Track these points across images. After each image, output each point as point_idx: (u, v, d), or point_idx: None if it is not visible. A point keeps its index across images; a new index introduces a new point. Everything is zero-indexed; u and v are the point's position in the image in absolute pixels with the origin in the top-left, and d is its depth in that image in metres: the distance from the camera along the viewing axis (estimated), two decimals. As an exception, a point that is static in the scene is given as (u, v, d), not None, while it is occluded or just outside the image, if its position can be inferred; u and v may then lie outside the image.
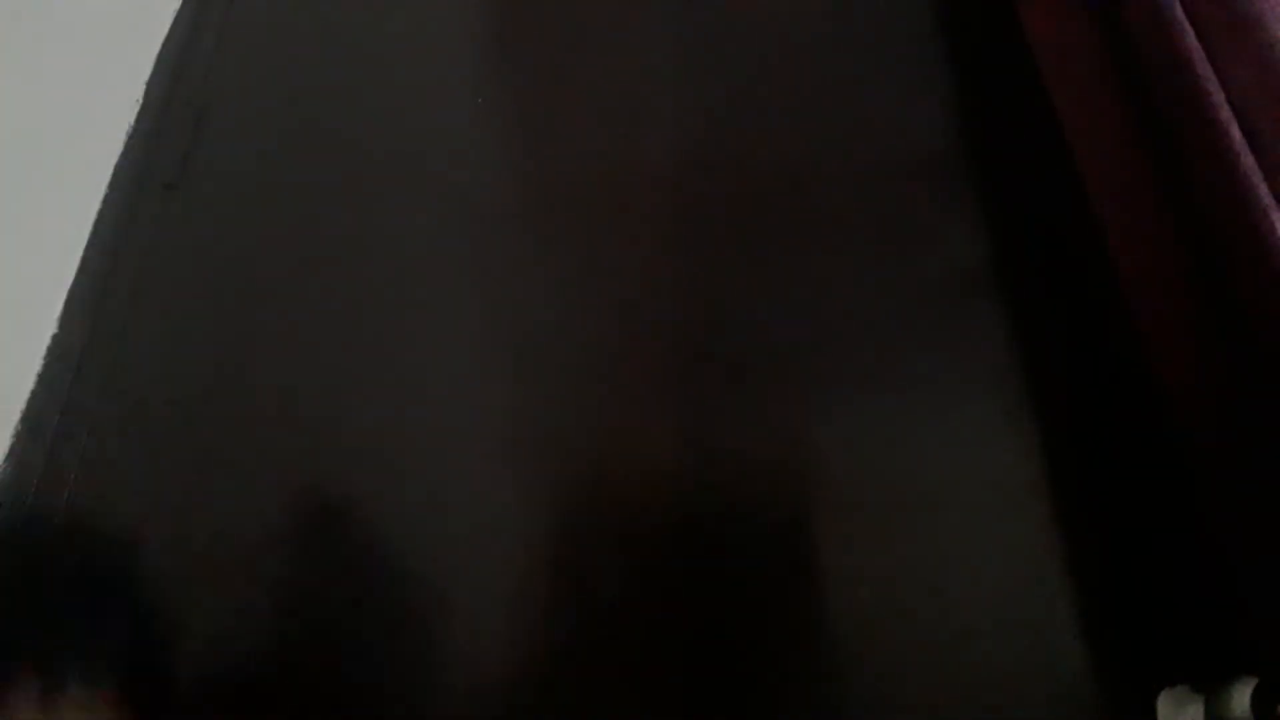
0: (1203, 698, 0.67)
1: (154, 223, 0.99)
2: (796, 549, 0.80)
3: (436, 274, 0.95)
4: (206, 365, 0.91)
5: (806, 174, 0.99)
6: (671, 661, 0.77)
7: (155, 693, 0.76)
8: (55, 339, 0.91)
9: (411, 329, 0.92)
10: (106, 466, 0.85)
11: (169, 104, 1.06)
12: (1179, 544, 0.77)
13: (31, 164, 0.92)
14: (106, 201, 0.99)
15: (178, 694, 0.76)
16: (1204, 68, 0.65)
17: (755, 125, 1.03)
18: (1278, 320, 0.60)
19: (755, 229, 0.96)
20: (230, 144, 1.04)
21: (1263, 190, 0.58)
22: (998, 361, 0.87)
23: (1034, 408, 0.84)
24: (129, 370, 0.90)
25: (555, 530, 0.82)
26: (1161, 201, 0.71)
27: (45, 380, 0.89)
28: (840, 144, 1.01)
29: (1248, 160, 0.60)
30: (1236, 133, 0.61)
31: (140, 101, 1.06)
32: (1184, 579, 0.76)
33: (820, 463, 0.84)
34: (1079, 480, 0.81)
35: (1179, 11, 0.68)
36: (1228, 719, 0.64)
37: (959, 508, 0.81)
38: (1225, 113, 0.62)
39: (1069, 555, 0.78)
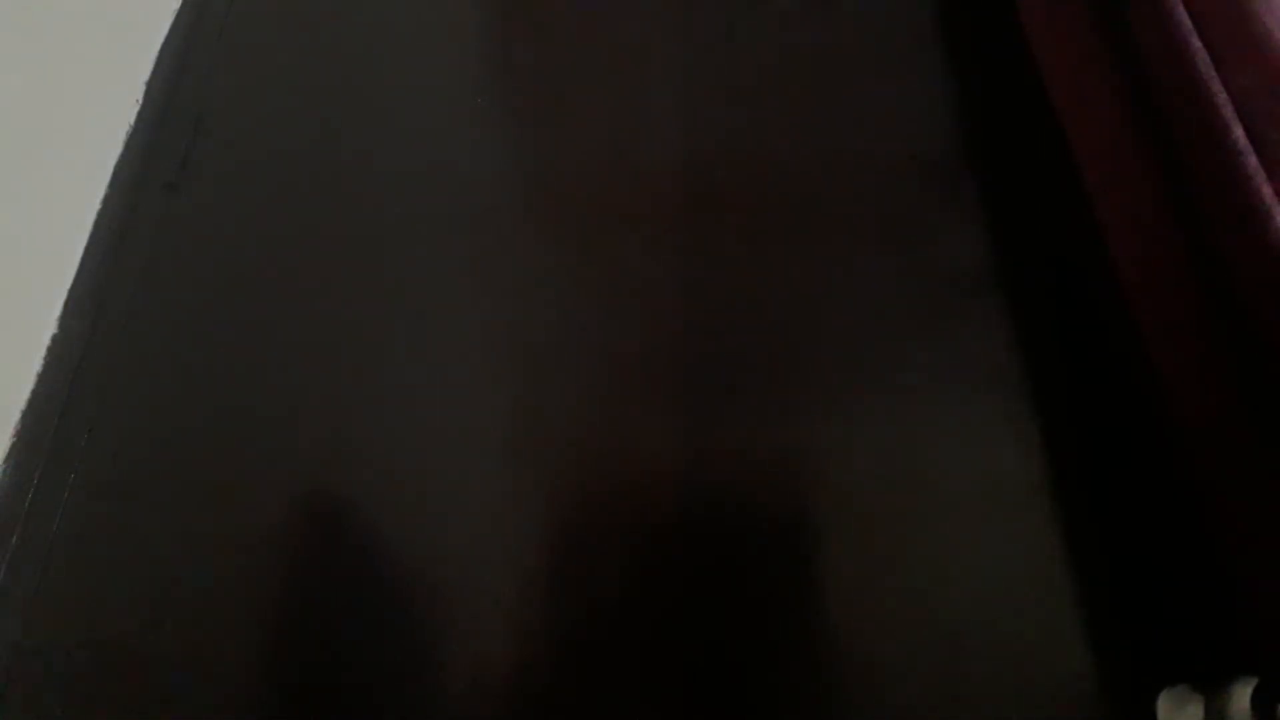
0: (1203, 697, 0.67)
1: (154, 223, 0.98)
2: (797, 549, 0.81)
3: (437, 275, 0.95)
4: (207, 365, 0.91)
5: (807, 174, 1.00)
6: (673, 662, 0.77)
7: (153, 696, 0.76)
8: (55, 339, 0.91)
9: (412, 329, 0.92)
10: (106, 467, 0.85)
11: (169, 104, 1.06)
12: (1179, 543, 0.77)
13: (31, 164, 0.91)
14: (106, 202, 0.99)
15: (177, 696, 0.76)
16: (1207, 68, 0.65)
17: (756, 125, 1.03)
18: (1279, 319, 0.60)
19: (756, 229, 0.96)
20: (230, 144, 1.04)
21: (1265, 191, 0.58)
22: (998, 361, 0.87)
23: (1034, 408, 0.85)
24: (129, 371, 0.90)
25: (556, 531, 0.82)
26: (1163, 201, 0.71)
27: (45, 381, 0.89)
28: (841, 144, 1.01)
29: (1250, 161, 0.60)
30: (1239, 133, 0.61)
31: (140, 101, 1.05)
32: (1184, 578, 0.76)
33: (821, 463, 0.84)
34: (1079, 480, 0.81)
35: (1182, 11, 0.68)
36: (1228, 719, 0.64)
37: (959, 508, 0.81)
38: (1228, 112, 0.62)
39: (1069, 555, 0.78)
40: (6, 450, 0.85)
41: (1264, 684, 0.63)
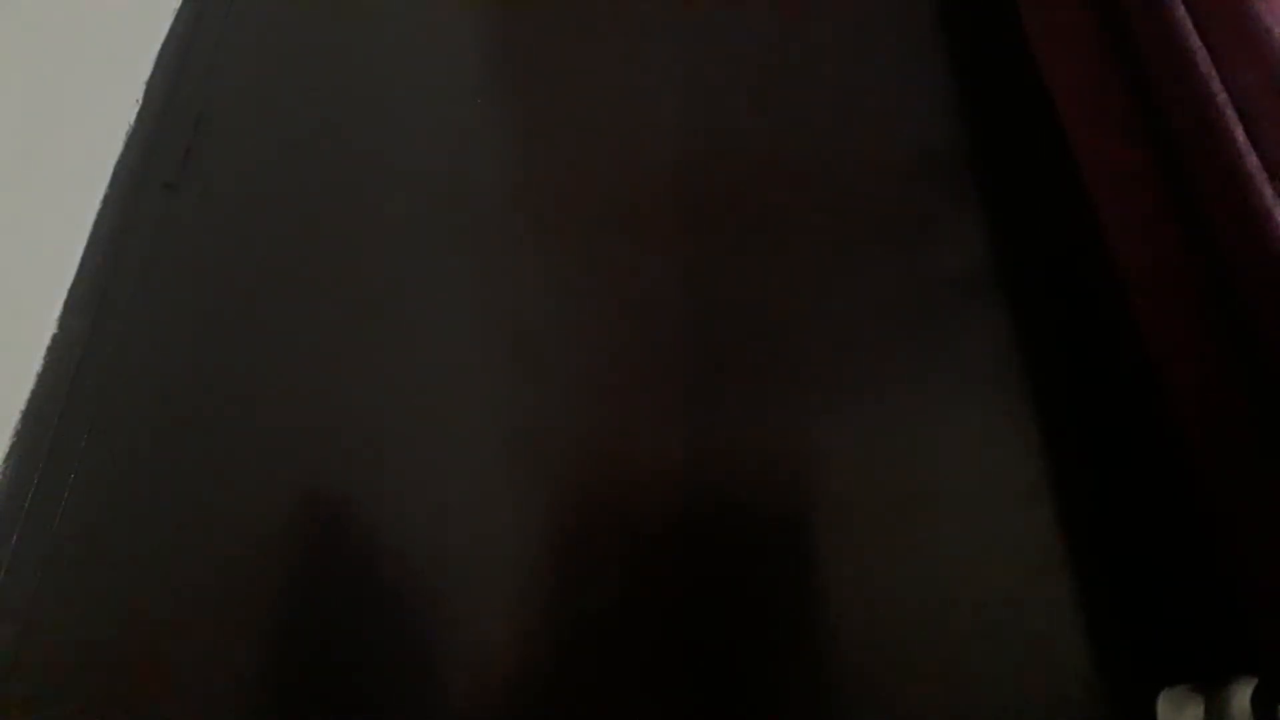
0: (1203, 698, 0.67)
1: (154, 223, 0.98)
2: (797, 549, 0.80)
3: (438, 275, 0.95)
4: (207, 365, 0.91)
5: (806, 173, 1.00)
6: (673, 662, 0.77)
7: (154, 695, 0.76)
8: (55, 339, 0.91)
9: (412, 330, 0.92)
10: (107, 467, 0.85)
11: (169, 104, 1.06)
12: (1179, 543, 0.77)
13: (31, 164, 0.91)
14: (106, 201, 0.99)
15: (178, 696, 0.76)
16: (1208, 68, 0.65)
17: (757, 126, 1.03)
18: (1279, 319, 0.60)
19: (756, 229, 0.96)
20: (230, 144, 1.04)
21: (1266, 191, 0.58)
22: (998, 361, 0.87)
23: (1034, 408, 0.84)
24: (129, 370, 0.90)
25: (557, 531, 0.82)
26: (1164, 202, 0.71)
27: (45, 380, 0.89)
28: (841, 143, 1.01)
29: (1251, 161, 0.60)
30: (1240, 133, 0.61)
31: (140, 101, 1.05)
32: (1184, 578, 0.76)
33: (821, 462, 0.84)
34: (1079, 480, 0.81)
35: (1182, 11, 0.68)
36: (1228, 719, 0.64)
37: (959, 508, 0.81)
38: (1229, 113, 0.62)
39: (1069, 555, 0.78)
40: (6, 450, 0.84)
41: (1264, 684, 0.63)
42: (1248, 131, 0.62)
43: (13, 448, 0.85)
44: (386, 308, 0.93)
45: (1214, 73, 0.65)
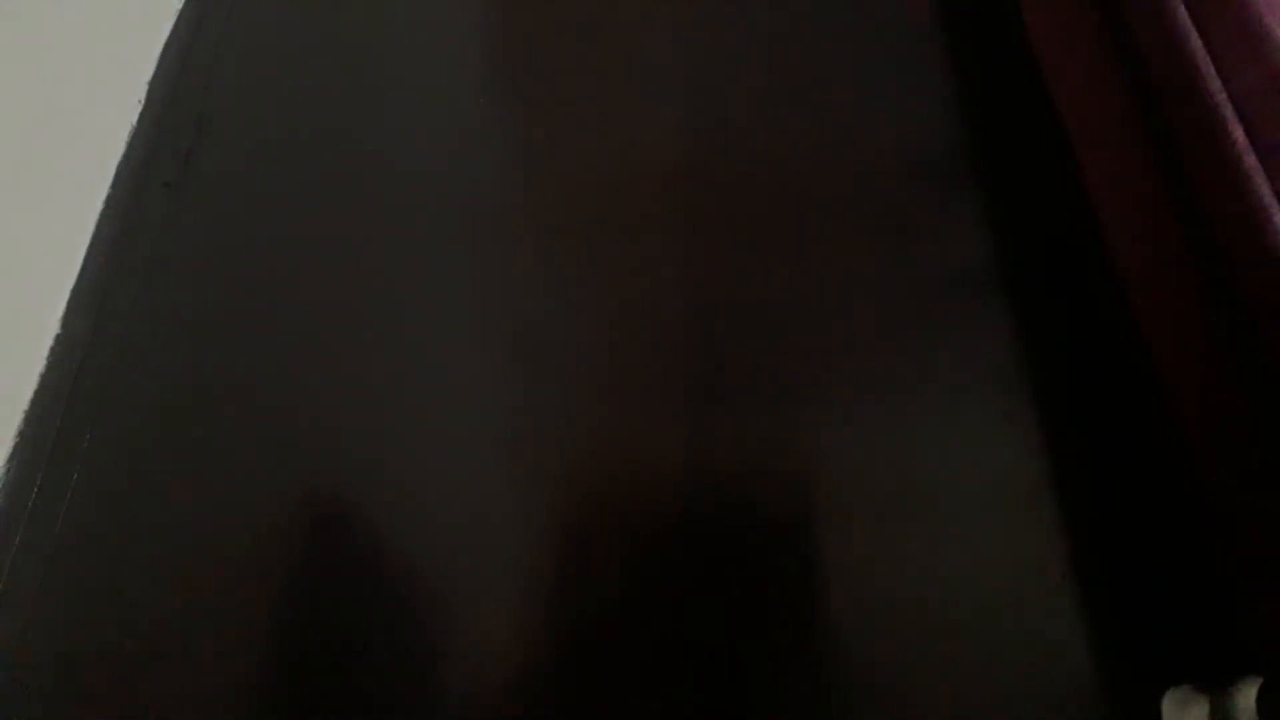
0: (1207, 698, 0.67)
1: (156, 223, 0.99)
2: (797, 549, 0.80)
3: (438, 274, 0.95)
4: (208, 365, 0.91)
5: (808, 174, 1.00)
6: (675, 662, 0.77)
7: (155, 695, 0.76)
8: (58, 339, 0.91)
9: (413, 329, 0.92)
10: (109, 467, 0.85)
11: (171, 104, 1.07)
12: (1180, 543, 0.77)
13: (33, 164, 0.92)
14: (108, 201, 0.99)
15: (179, 694, 0.76)
16: (1207, 69, 0.65)
17: (757, 125, 1.03)
18: (1279, 319, 0.60)
19: (757, 229, 0.96)
20: (232, 144, 1.05)
21: (1265, 190, 0.58)
22: (998, 361, 0.87)
23: (1034, 408, 0.84)
24: (131, 370, 0.91)
25: (558, 531, 0.82)
26: (1163, 201, 0.71)
27: (48, 381, 0.89)
28: (841, 144, 1.01)
29: (1250, 160, 0.60)
30: (1239, 133, 0.61)
31: (142, 101, 1.06)
32: (1186, 578, 0.76)
33: (822, 462, 0.84)
34: (1080, 480, 0.81)
35: (1182, 12, 0.68)
36: (1232, 719, 0.64)
37: (959, 508, 0.81)
38: (1228, 113, 0.62)
39: (1071, 555, 0.78)
40: (9, 451, 0.85)
41: (1269, 684, 0.63)
42: (1247, 131, 0.62)
43: (15, 448, 0.85)
44: (387, 307, 0.93)
45: (1214, 73, 0.65)
